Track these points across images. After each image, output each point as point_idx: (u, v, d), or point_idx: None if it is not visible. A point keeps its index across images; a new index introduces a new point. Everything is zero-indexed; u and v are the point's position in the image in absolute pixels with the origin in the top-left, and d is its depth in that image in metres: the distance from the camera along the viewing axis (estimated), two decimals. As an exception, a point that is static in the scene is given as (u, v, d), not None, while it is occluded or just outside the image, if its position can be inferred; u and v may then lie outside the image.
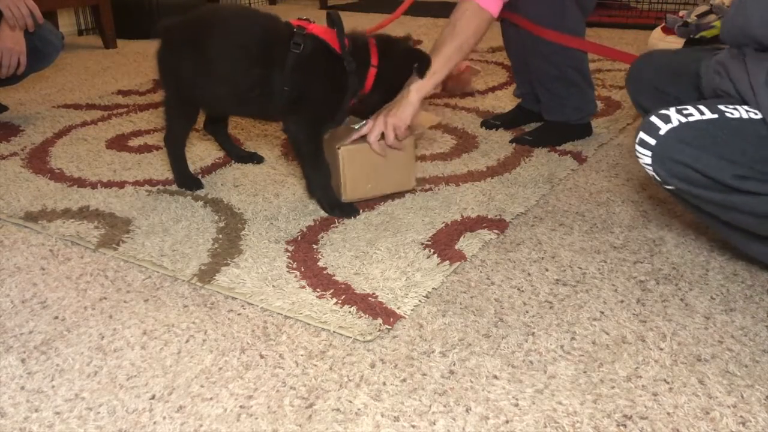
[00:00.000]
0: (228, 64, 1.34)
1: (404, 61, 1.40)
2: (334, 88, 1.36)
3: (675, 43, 2.42)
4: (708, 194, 0.99)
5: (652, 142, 1.00)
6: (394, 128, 1.38)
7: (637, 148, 1.03)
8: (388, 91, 1.41)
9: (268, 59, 1.33)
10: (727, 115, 0.99)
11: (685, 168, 0.98)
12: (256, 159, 1.69)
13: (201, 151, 1.76)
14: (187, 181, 1.54)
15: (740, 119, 0.99)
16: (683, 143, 0.97)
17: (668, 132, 0.99)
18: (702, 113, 0.99)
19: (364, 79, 1.38)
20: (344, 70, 1.35)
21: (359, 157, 1.40)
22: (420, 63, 1.38)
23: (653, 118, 1.01)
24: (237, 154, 1.69)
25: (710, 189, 0.98)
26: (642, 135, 1.01)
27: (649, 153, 1.01)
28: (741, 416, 0.84)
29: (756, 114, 0.99)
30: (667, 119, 1.00)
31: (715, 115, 0.99)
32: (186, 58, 1.37)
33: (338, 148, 1.38)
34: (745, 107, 1.00)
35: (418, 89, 1.40)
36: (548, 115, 1.83)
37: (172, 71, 1.41)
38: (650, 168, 1.02)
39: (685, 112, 1.00)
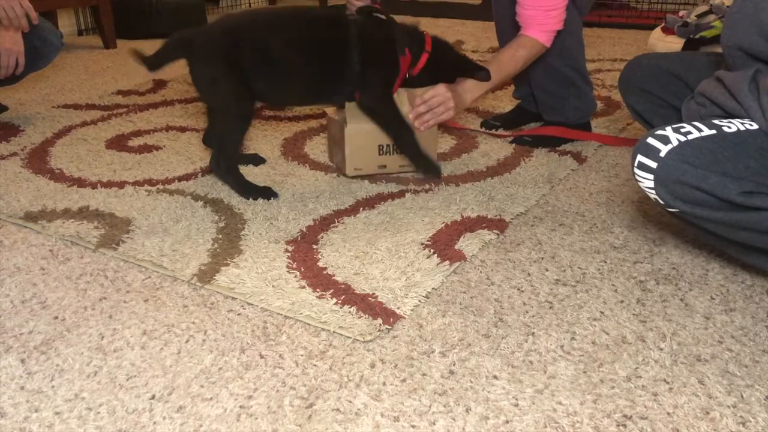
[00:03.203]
0: (305, 54, 1.43)
1: (455, 61, 1.55)
2: (393, 51, 1.48)
3: (675, 43, 2.42)
4: (712, 214, 0.96)
5: (653, 165, 0.96)
6: (447, 110, 1.51)
7: (637, 171, 0.99)
8: (433, 79, 1.52)
9: (336, 37, 1.44)
10: (725, 129, 0.96)
11: (691, 189, 0.95)
12: (257, 161, 1.69)
13: (201, 152, 1.76)
14: (260, 190, 1.49)
15: (738, 132, 0.96)
16: (686, 164, 0.94)
17: (669, 153, 0.95)
18: (700, 130, 0.96)
19: (417, 59, 1.50)
20: (395, 40, 1.48)
21: (363, 136, 1.52)
22: (478, 71, 1.52)
23: (651, 140, 0.97)
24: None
25: (715, 208, 0.95)
26: (641, 158, 0.98)
27: (651, 176, 0.97)
28: (741, 416, 0.84)
29: (751, 125, 0.97)
30: (665, 140, 0.96)
31: (713, 131, 0.96)
32: (256, 59, 1.40)
33: (345, 125, 1.50)
34: (738, 120, 0.98)
35: (470, 91, 1.56)
36: (548, 115, 1.83)
37: (233, 75, 1.39)
38: (653, 191, 0.99)
39: (682, 130, 0.97)
